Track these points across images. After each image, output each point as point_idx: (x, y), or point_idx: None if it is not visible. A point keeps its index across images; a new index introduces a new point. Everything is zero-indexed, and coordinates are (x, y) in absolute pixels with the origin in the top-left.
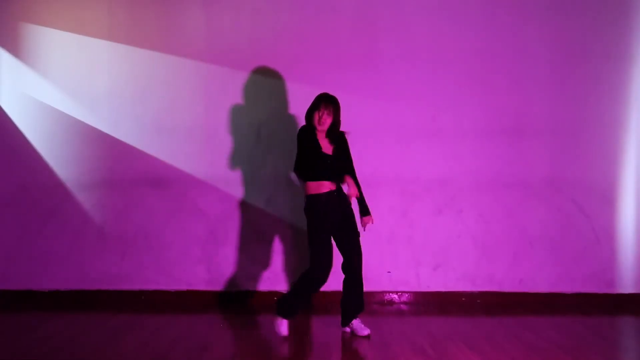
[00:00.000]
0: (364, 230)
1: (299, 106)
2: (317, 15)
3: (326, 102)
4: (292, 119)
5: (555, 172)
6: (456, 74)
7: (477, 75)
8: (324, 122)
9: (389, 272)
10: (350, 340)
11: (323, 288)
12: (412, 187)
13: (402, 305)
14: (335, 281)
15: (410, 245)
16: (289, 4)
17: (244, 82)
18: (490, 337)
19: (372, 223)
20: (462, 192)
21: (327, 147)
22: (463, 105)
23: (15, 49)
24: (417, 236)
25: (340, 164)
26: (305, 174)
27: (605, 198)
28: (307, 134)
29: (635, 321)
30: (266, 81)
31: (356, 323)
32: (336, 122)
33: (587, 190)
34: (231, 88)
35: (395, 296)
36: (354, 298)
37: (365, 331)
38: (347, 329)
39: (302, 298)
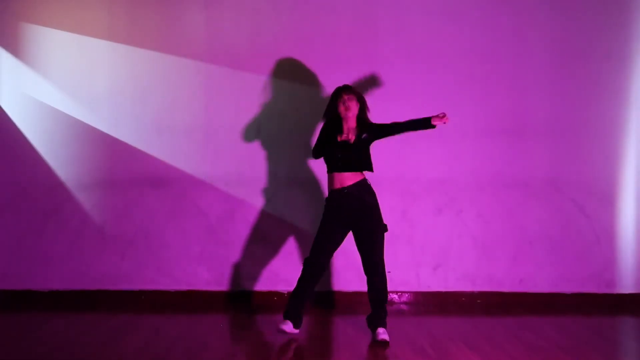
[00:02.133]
0: (444, 122)
1: (298, 106)
2: (317, 15)
3: (346, 90)
4: (292, 118)
5: (555, 172)
6: (456, 74)
7: (477, 75)
8: (349, 106)
9: (389, 272)
10: (350, 340)
11: (329, 287)
12: (412, 187)
13: (402, 305)
14: (336, 281)
15: (410, 245)
16: (289, 4)
17: (244, 82)
18: (490, 337)
19: (446, 119)
20: (462, 192)
21: (350, 135)
22: (463, 105)
23: (15, 49)
24: (417, 236)
25: (356, 155)
26: (326, 162)
27: (605, 198)
28: (330, 122)
29: (635, 321)
30: (266, 81)
31: (380, 330)
32: (362, 105)
33: (587, 190)
34: (231, 88)
35: (395, 296)
36: (375, 291)
37: (382, 336)
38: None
39: (299, 292)
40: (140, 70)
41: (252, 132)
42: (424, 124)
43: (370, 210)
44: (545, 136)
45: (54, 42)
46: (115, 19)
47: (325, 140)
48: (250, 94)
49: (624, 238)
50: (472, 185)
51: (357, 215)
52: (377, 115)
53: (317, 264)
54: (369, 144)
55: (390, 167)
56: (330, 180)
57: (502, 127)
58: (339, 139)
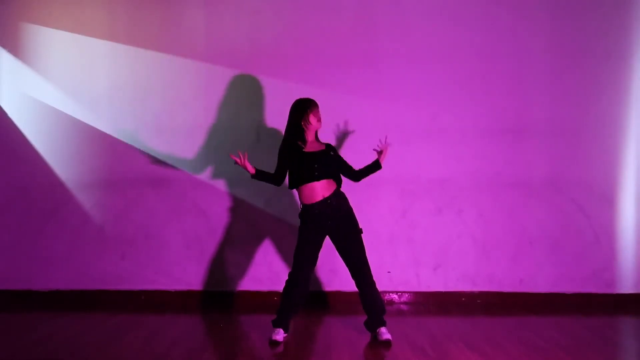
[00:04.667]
0: (384, 143)
1: None
2: (317, 15)
3: (315, 103)
4: None
5: (555, 172)
6: (456, 74)
7: (478, 75)
8: (320, 119)
9: (389, 272)
10: (350, 340)
11: (327, 288)
12: (412, 187)
13: (402, 305)
14: (335, 282)
15: (410, 245)
16: (289, 4)
17: (244, 82)
18: (490, 337)
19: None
20: (462, 192)
21: (316, 148)
22: (463, 105)
23: (15, 49)
24: (417, 236)
25: (330, 161)
26: (295, 179)
27: (605, 198)
28: (288, 143)
29: (635, 321)
30: (266, 81)
31: (382, 329)
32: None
33: (587, 190)
34: (231, 88)
35: (395, 296)
36: (370, 301)
37: (386, 336)
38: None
39: (287, 305)
40: (140, 70)
41: (252, 132)
42: (375, 166)
43: (347, 216)
44: (545, 136)
45: (54, 42)
46: (115, 19)
47: (288, 162)
48: (250, 93)
49: (624, 238)
50: (472, 185)
51: (336, 224)
52: (377, 115)
53: (303, 281)
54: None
55: (391, 167)
56: (308, 193)
57: (502, 127)
58: (305, 149)
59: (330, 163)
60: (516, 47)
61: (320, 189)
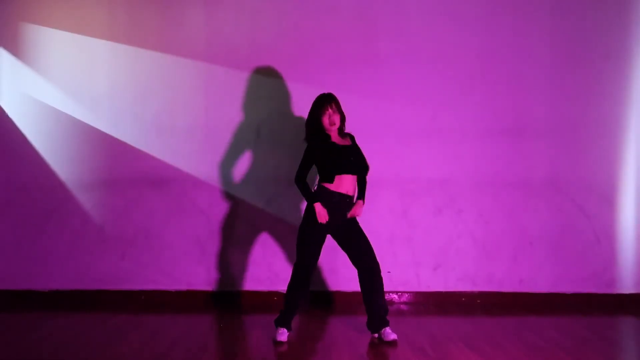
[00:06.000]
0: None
1: (298, 106)
2: (317, 15)
3: (328, 100)
4: (292, 118)
5: (555, 172)
6: (456, 74)
7: (478, 75)
8: (334, 120)
9: (389, 272)
10: (350, 340)
11: (328, 287)
12: (412, 187)
13: (402, 305)
14: (336, 281)
15: (410, 245)
16: (289, 4)
17: (244, 82)
18: (490, 337)
19: (358, 214)
20: (462, 192)
21: (345, 142)
22: (463, 105)
23: (15, 49)
24: (417, 236)
25: (360, 158)
26: (330, 170)
27: (605, 198)
28: (318, 138)
29: (635, 321)
30: (266, 81)
31: (386, 330)
32: (343, 117)
33: (587, 190)
34: (231, 88)
35: (395, 296)
36: (375, 303)
37: (392, 336)
38: (376, 335)
39: (292, 302)
40: (140, 70)
41: (252, 132)
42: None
43: (353, 219)
44: (545, 136)
45: (54, 42)
46: (115, 19)
47: (320, 156)
48: (250, 93)
49: (624, 238)
50: (472, 185)
51: (342, 223)
52: (377, 115)
53: (310, 269)
54: None
55: (391, 167)
56: (337, 181)
57: (503, 127)
58: (339, 143)
59: (359, 156)
60: (516, 47)
61: (346, 183)
